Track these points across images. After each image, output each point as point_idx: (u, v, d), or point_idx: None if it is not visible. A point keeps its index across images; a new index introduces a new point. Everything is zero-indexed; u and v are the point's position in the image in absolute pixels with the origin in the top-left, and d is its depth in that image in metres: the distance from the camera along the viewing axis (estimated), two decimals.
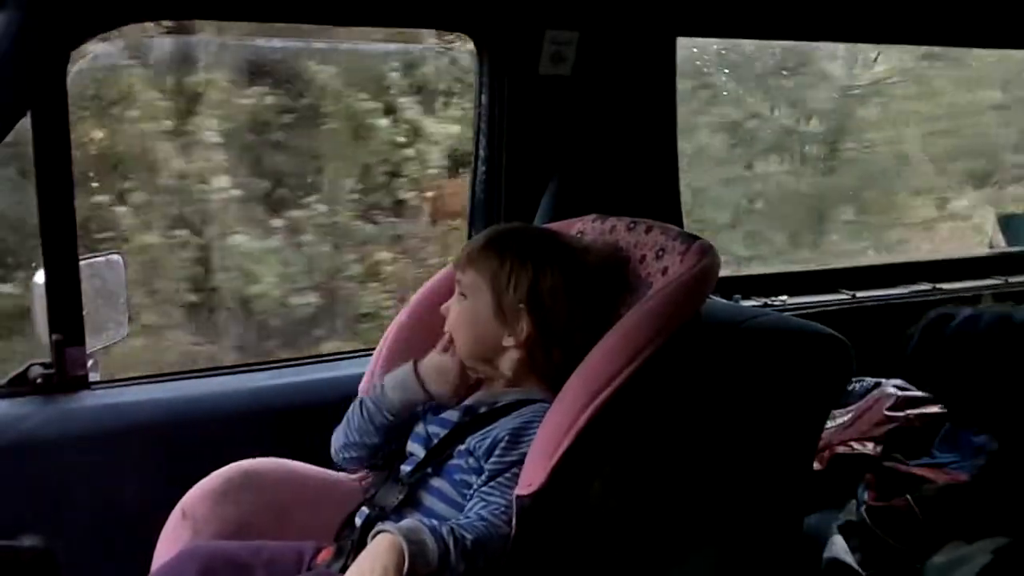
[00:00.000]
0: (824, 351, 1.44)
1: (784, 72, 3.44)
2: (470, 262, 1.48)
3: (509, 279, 1.44)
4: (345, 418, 1.54)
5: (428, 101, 2.97)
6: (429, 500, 1.41)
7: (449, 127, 2.94)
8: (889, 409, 1.98)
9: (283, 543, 1.46)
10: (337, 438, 1.54)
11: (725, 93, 3.33)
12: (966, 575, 1.55)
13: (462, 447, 1.40)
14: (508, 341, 1.45)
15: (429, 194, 3.00)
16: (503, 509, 1.31)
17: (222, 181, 2.81)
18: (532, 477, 1.30)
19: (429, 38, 2.64)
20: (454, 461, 1.41)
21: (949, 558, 1.59)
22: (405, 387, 1.49)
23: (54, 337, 1.72)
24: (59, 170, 1.68)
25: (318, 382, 1.92)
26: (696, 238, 1.46)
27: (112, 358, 2.06)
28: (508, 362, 1.46)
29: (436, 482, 1.42)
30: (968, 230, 3.90)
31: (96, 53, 2.37)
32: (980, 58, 3.69)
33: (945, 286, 2.69)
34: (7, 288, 2.51)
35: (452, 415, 1.47)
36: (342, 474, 1.62)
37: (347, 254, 2.99)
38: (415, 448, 1.48)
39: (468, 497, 1.36)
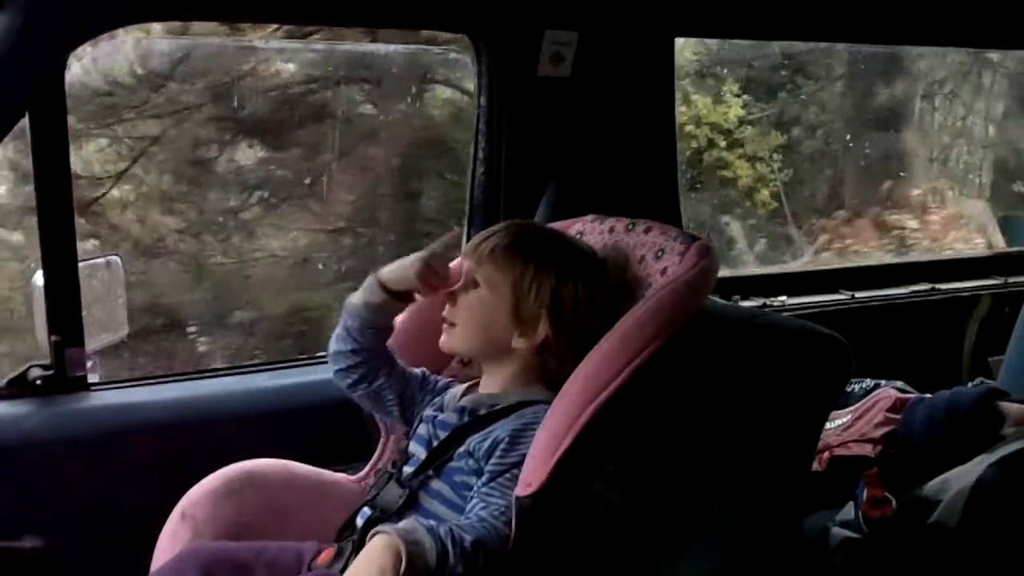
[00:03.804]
0: (823, 351, 1.44)
1: None
2: (492, 259, 1.46)
3: (532, 283, 1.44)
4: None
5: None
6: (429, 503, 1.41)
7: None
8: (889, 411, 1.97)
9: (283, 544, 1.45)
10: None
11: None
12: None
13: (462, 449, 1.40)
14: (519, 343, 1.45)
15: None
16: (503, 510, 1.30)
17: None
18: (532, 477, 1.29)
19: None
20: (454, 463, 1.41)
21: None
22: (366, 288, 1.50)
23: (53, 338, 1.72)
24: (58, 171, 1.68)
25: (318, 382, 1.92)
26: (696, 238, 1.46)
27: None
28: (513, 362, 1.46)
29: (436, 484, 1.42)
30: None
31: None
32: None
33: (944, 286, 2.70)
34: None
35: (452, 417, 1.47)
36: (343, 475, 1.62)
37: None
38: (417, 449, 1.48)
39: (468, 499, 1.36)
